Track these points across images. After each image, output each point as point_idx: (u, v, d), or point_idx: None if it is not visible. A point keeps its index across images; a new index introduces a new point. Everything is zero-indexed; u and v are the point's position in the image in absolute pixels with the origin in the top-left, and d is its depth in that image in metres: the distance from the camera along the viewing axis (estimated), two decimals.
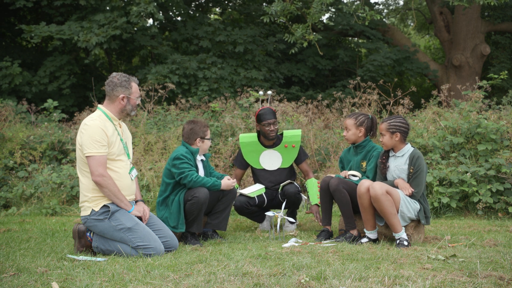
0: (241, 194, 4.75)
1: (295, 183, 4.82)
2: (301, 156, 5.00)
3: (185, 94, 11.52)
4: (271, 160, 4.94)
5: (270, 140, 4.90)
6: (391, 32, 14.83)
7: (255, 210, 4.85)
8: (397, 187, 4.06)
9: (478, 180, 5.83)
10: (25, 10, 13.98)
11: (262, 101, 6.79)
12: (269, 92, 5.46)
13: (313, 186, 4.83)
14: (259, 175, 4.97)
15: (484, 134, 6.18)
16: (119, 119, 3.84)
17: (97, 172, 3.59)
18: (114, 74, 3.84)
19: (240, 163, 5.04)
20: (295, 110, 7.98)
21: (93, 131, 3.61)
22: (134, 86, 3.84)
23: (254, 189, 4.80)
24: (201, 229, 4.23)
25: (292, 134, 4.98)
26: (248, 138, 5.00)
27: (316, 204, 4.74)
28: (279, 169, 4.94)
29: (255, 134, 4.99)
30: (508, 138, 6.25)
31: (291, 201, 4.74)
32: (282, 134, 5.01)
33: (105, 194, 3.65)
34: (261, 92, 5.56)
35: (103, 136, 3.63)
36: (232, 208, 4.75)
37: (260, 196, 4.83)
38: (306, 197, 4.95)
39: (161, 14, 11.56)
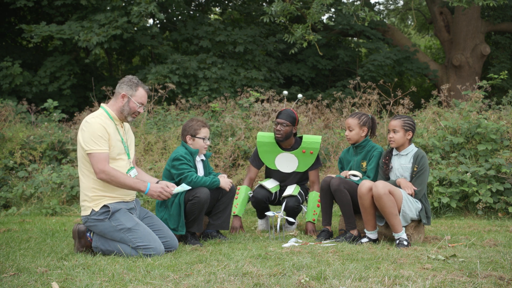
0: (262, 186, 4.69)
1: (297, 195, 4.70)
2: (315, 163, 4.85)
3: (185, 94, 11.52)
4: (286, 162, 4.80)
5: (278, 140, 4.74)
6: (391, 32, 14.83)
7: (267, 206, 4.81)
8: (399, 186, 4.07)
9: (478, 180, 5.83)
10: (25, 10, 13.99)
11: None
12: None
13: (312, 201, 4.74)
14: (271, 174, 4.89)
15: (484, 134, 6.18)
16: (120, 120, 3.80)
17: (98, 169, 3.57)
18: (130, 76, 3.80)
19: (255, 162, 4.90)
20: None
21: (95, 128, 3.60)
22: (141, 92, 3.75)
23: (273, 185, 4.76)
24: (201, 229, 4.23)
25: (312, 141, 4.82)
26: (265, 138, 4.83)
27: (310, 221, 4.67)
28: (293, 172, 4.83)
29: (273, 135, 4.81)
30: (508, 138, 6.25)
31: (290, 213, 4.70)
32: (301, 138, 4.86)
33: (117, 187, 3.63)
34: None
35: (104, 133, 3.61)
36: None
37: (274, 193, 4.80)
38: (305, 209, 4.84)
39: (161, 14, 11.57)
